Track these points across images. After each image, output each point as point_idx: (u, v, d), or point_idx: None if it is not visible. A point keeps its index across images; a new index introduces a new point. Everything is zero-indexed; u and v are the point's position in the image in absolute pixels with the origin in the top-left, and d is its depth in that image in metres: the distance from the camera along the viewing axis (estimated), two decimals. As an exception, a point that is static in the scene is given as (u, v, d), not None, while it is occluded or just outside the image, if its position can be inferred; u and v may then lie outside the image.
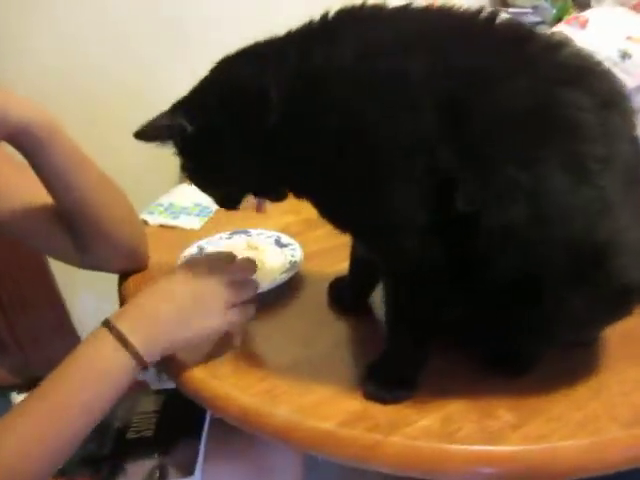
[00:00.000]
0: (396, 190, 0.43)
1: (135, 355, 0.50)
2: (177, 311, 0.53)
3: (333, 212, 0.50)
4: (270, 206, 0.93)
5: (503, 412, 0.48)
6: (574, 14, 0.86)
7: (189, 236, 0.84)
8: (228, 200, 0.58)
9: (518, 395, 0.49)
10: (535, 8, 1.20)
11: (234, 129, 0.49)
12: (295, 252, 0.73)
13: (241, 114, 0.49)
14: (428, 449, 0.45)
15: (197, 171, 0.55)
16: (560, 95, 0.41)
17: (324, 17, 0.47)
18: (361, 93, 0.43)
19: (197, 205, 0.92)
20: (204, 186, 0.57)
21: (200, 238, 0.79)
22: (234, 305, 0.55)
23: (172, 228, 0.87)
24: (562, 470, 0.45)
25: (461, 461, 0.45)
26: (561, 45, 0.43)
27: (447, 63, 0.41)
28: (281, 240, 0.77)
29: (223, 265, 0.58)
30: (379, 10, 0.46)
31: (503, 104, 0.40)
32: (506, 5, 1.29)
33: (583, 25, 0.79)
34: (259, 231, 0.80)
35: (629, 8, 0.82)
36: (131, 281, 0.73)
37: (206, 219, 0.89)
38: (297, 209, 0.89)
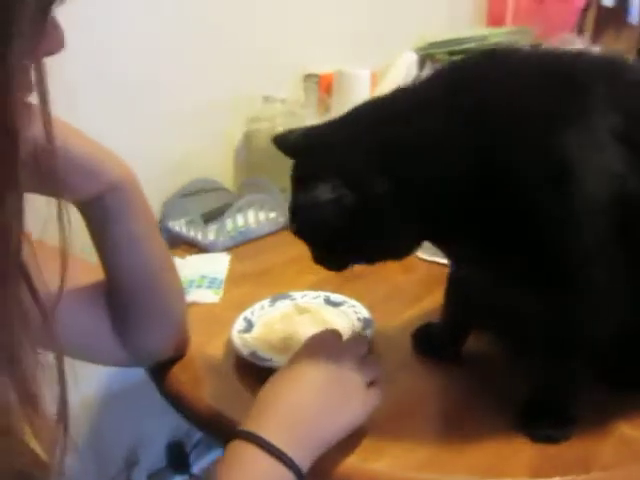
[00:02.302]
0: (585, 223, 0.42)
1: (293, 467, 0.42)
2: (323, 404, 0.46)
3: (499, 253, 0.47)
4: (279, 268, 0.88)
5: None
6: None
7: (211, 311, 0.76)
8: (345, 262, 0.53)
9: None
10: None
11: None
12: (356, 307, 0.69)
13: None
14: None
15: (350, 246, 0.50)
16: None
17: (476, 59, 0.48)
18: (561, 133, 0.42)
19: (203, 277, 0.83)
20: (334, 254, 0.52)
21: (239, 309, 0.71)
22: (369, 386, 0.50)
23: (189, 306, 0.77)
24: None
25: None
26: None
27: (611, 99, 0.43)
28: (331, 299, 0.72)
29: (345, 344, 0.52)
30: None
31: None
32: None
33: None
34: (302, 293, 0.74)
35: None
36: (177, 371, 0.63)
37: (220, 291, 0.81)
38: (311, 269, 0.85)
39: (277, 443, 0.42)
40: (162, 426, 1.07)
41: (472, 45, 1.32)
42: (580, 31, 1.77)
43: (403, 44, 1.36)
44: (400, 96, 0.50)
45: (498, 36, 1.34)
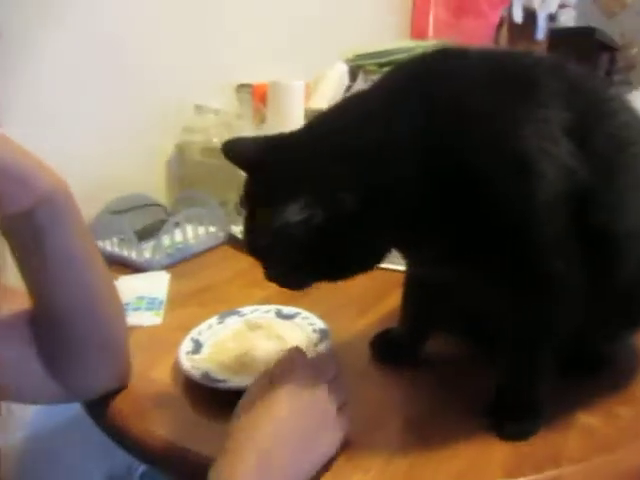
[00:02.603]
0: (547, 214, 0.43)
1: None
2: (301, 436, 0.43)
3: (462, 253, 0.46)
4: (223, 285, 0.84)
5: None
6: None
7: (153, 334, 0.70)
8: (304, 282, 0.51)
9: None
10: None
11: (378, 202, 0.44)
12: (310, 319, 0.66)
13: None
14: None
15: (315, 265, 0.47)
16: None
17: (416, 62, 0.47)
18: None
19: (141, 298, 0.77)
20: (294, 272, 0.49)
21: (184, 330, 0.65)
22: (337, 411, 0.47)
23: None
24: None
25: None
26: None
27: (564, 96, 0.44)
28: (283, 312, 0.69)
29: (315, 368, 0.48)
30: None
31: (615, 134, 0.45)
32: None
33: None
34: (251, 308, 0.70)
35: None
36: (118, 403, 0.57)
37: (162, 312, 0.75)
38: (258, 283, 0.82)
39: None
40: (99, 463, 0.98)
41: (400, 56, 1.35)
42: (496, 44, 1.87)
43: (332, 56, 1.37)
44: (352, 104, 0.49)
45: (424, 48, 1.37)
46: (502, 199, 0.42)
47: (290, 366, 0.48)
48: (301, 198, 0.42)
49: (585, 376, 0.55)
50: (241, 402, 0.46)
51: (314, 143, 0.46)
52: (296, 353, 0.50)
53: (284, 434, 0.42)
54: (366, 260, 0.48)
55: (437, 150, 0.43)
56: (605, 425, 0.49)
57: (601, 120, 0.45)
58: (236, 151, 0.50)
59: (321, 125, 0.48)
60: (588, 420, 0.50)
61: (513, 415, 0.49)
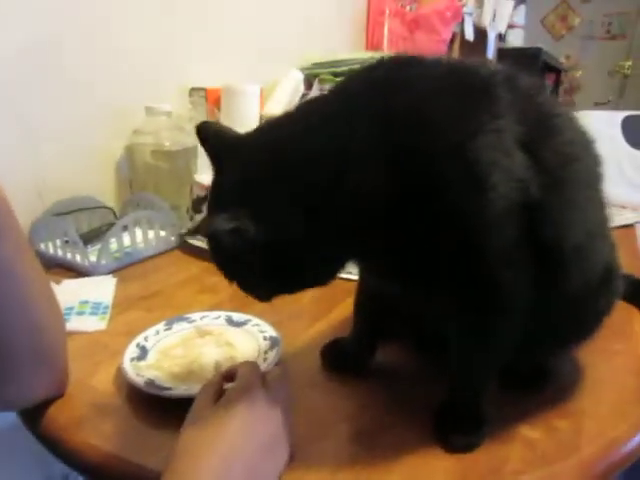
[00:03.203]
0: (499, 227, 0.42)
1: None
2: (253, 458, 0.42)
3: (412, 265, 0.45)
4: (172, 290, 0.82)
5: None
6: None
7: (97, 340, 0.67)
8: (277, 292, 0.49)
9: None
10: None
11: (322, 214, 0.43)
12: (261, 326, 0.66)
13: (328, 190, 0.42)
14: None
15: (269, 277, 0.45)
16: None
17: (372, 69, 0.46)
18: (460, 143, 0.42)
19: (85, 302, 0.74)
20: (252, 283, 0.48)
21: (129, 336, 0.63)
22: None
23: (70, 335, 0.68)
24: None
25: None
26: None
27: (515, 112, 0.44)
28: (233, 318, 0.68)
29: (267, 386, 0.47)
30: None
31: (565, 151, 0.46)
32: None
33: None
34: (201, 314, 0.69)
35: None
36: (54, 413, 0.54)
37: (107, 317, 0.72)
38: (208, 289, 0.81)
39: None
40: (35, 470, 0.93)
41: (355, 67, 1.36)
42: (448, 60, 1.93)
43: (288, 63, 1.38)
44: (305, 111, 0.47)
45: (379, 60, 1.40)
46: (453, 210, 0.42)
47: (246, 384, 0.46)
48: (236, 209, 0.41)
49: (528, 389, 0.56)
50: (189, 417, 0.44)
51: (261, 151, 0.45)
52: (252, 370, 0.49)
53: (238, 454, 0.41)
54: (320, 275, 0.47)
55: (390, 161, 0.42)
56: (546, 438, 0.50)
57: (550, 135, 0.45)
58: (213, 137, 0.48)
59: (271, 131, 0.47)
60: (530, 433, 0.50)
61: (458, 427, 0.49)
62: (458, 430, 0.49)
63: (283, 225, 0.42)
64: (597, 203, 0.50)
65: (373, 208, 0.43)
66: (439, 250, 0.43)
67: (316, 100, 0.50)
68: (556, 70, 3.21)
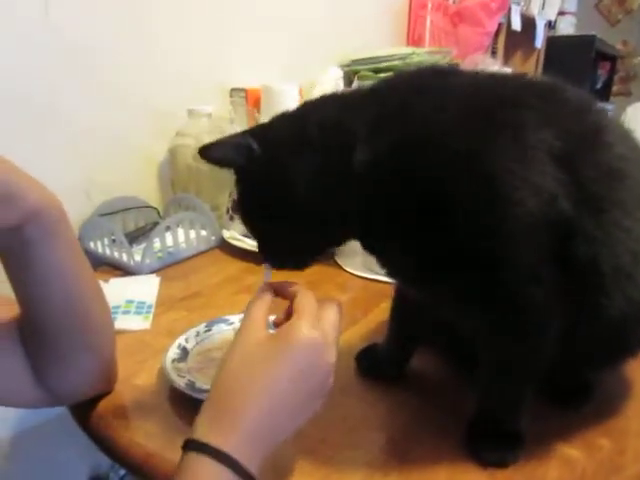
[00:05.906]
0: (527, 242, 0.42)
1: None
2: (292, 411, 0.42)
3: (436, 271, 0.45)
4: (213, 290, 0.84)
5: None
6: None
7: (141, 339, 0.70)
8: (291, 255, 0.51)
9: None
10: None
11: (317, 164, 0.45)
12: (297, 330, 0.67)
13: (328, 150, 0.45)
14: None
15: (257, 212, 0.49)
16: None
17: (410, 74, 0.47)
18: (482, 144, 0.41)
19: (130, 302, 0.77)
20: (261, 233, 0.50)
21: (171, 336, 0.65)
22: None
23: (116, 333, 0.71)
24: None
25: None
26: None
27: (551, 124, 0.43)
28: (270, 320, 0.69)
29: (315, 318, 0.44)
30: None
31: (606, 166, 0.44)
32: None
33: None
34: (239, 316, 0.70)
35: None
36: (102, 409, 0.57)
37: (150, 316, 0.75)
38: (247, 289, 0.82)
39: (242, 460, 0.38)
40: (83, 460, 0.99)
41: (396, 63, 1.35)
42: (493, 52, 1.88)
43: (328, 61, 1.38)
44: (330, 103, 0.48)
45: (420, 55, 1.38)
46: (477, 228, 0.41)
47: (307, 330, 0.43)
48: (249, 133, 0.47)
49: (569, 404, 0.54)
50: (239, 344, 0.45)
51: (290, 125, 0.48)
52: (311, 312, 0.45)
53: (288, 402, 0.41)
54: (312, 227, 0.48)
55: (408, 169, 0.43)
56: (586, 457, 0.48)
57: (594, 150, 0.44)
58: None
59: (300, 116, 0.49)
60: (569, 451, 0.49)
61: (491, 442, 0.48)
62: (491, 445, 0.48)
63: (285, 152, 0.46)
64: None
65: (402, 217, 0.44)
66: (464, 262, 0.43)
67: (340, 96, 0.50)
68: (611, 58, 3.05)
